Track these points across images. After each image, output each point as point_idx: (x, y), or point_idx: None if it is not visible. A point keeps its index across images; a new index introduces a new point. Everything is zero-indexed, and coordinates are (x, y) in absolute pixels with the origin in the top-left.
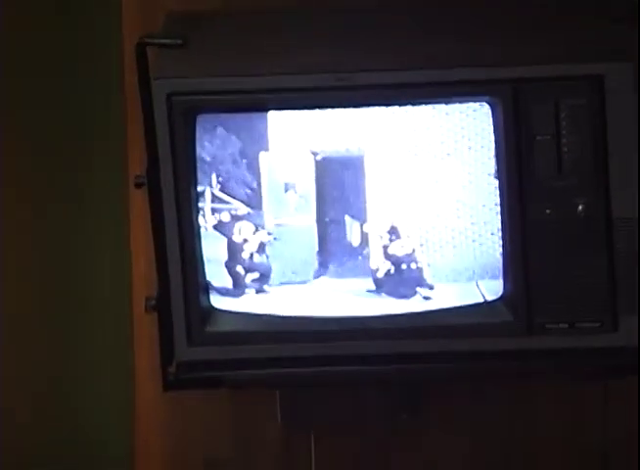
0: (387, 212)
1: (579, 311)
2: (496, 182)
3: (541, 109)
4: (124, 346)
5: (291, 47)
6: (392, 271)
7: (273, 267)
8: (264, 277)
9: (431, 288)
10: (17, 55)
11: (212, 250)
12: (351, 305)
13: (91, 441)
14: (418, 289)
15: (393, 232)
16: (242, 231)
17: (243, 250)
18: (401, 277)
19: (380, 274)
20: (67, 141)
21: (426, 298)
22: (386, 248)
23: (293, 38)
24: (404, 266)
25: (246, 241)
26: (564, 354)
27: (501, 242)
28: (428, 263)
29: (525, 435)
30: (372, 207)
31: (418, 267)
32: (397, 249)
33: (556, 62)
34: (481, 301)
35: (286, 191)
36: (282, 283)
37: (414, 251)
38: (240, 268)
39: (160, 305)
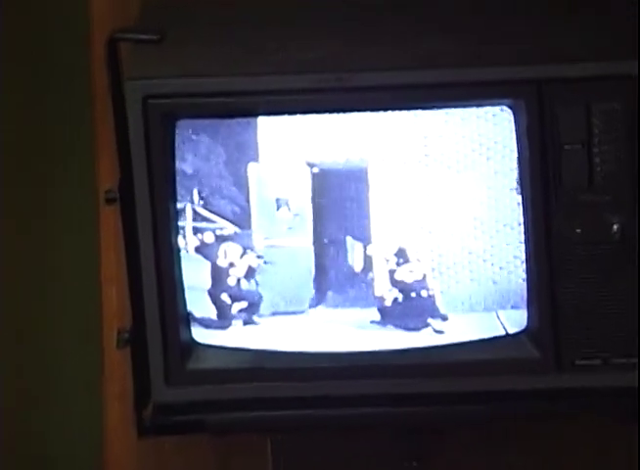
0: (393, 233)
1: (614, 346)
2: (519, 198)
3: (570, 113)
4: (92, 386)
5: (284, 43)
6: (400, 300)
7: (263, 296)
8: (253, 307)
9: (444, 319)
10: None
11: (194, 275)
12: (353, 338)
13: None
14: (429, 320)
15: (401, 255)
16: (228, 254)
17: (229, 275)
18: (410, 307)
19: (386, 303)
20: (27, 150)
21: (438, 331)
22: (392, 273)
23: (286, 32)
24: (414, 294)
25: (232, 265)
26: (596, 395)
27: (525, 266)
28: (441, 291)
29: None
30: (377, 226)
31: (429, 295)
32: (406, 274)
33: (587, 59)
34: (502, 334)
35: (278, 208)
36: (273, 313)
37: (425, 276)
38: (225, 297)
39: (134, 339)
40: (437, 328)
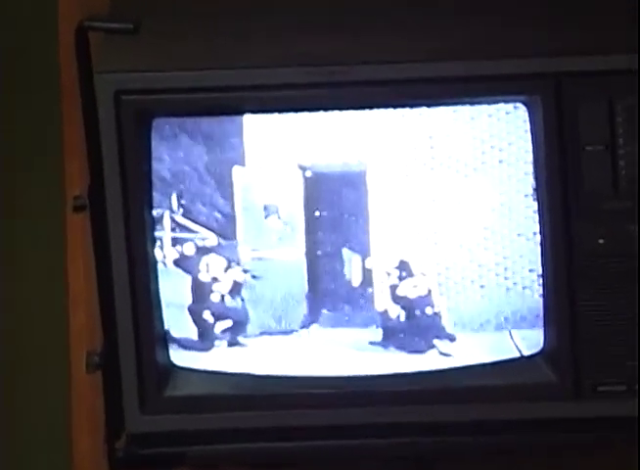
0: (395, 244)
1: None
2: (535, 205)
3: (592, 111)
4: (59, 415)
5: (273, 32)
6: (403, 318)
7: (250, 314)
8: (239, 326)
9: (451, 339)
10: None
11: (173, 291)
12: (350, 361)
13: None
14: (435, 341)
15: (404, 268)
16: (210, 267)
17: (212, 291)
18: (414, 326)
19: (387, 322)
20: None
21: (444, 353)
22: (394, 288)
23: (274, 21)
24: (418, 312)
25: (215, 280)
26: (620, 425)
27: (541, 281)
28: (447, 308)
29: None
30: (376, 236)
31: (435, 313)
32: (409, 289)
33: (611, 51)
34: (517, 356)
35: (267, 216)
36: (261, 333)
37: (430, 292)
38: (208, 315)
39: (106, 363)
40: (444, 350)
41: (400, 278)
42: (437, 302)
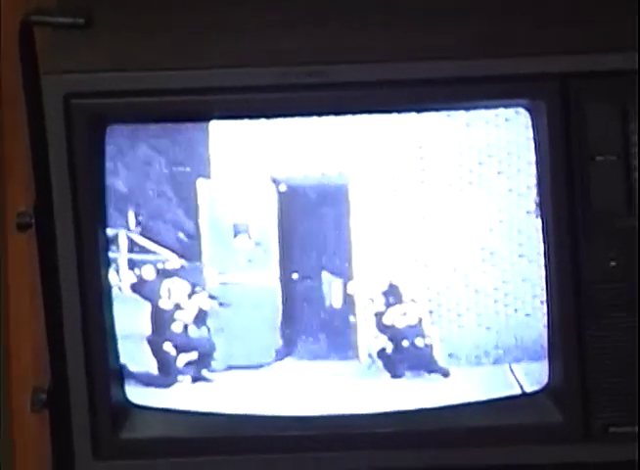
0: (381, 266)
1: None
2: (538, 222)
3: (602, 116)
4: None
5: (242, 28)
6: (389, 350)
7: (217, 345)
8: (204, 359)
9: (445, 374)
10: None
11: (130, 320)
12: (330, 399)
13: None
14: (426, 376)
15: (391, 294)
16: (172, 293)
17: (174, 320)
18: (402, 359)
19: (371, 355)
20: None
21: (436, 389)
22: (380, 316)
23: (245, 16)
24: (406, 343)
25: (178, 307)
26: (634, 469)
27: (545, 308)
28: (440, 339)
29: None
30: (360, 258)
31: (426, 345)
32: (397, 318)
33: (623, 49)
34: (518, 393)
35: (235, 235)
36: (229, 367)
37: (421, 321)
38: (169, 346)
39: (54, 401)
40: (436, 386)
41: (387, 305)
42: (429, 332)
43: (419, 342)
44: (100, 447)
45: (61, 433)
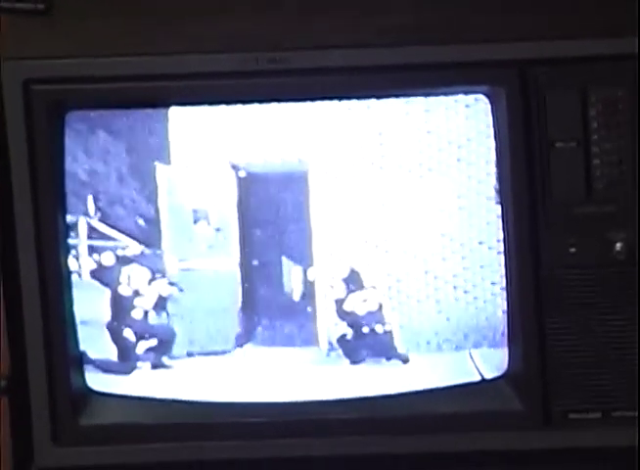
0: (341, 253)
1: (616, 396)
2: (498, 209)
3: (562, 103)
4: None
5: (201, 13)
6: (349, 337)
7: (177, 332)
8: (164, 346)
9: (404, 361)
10: None
11: (89, 306)
12: (290, 385)
13: None
14: (385, 363)
15: (352, 281)
16: (132, 280)
17: (133, 306)
18: (362, 345)
19: (331, 341)
20: None
21: (396, 376)
22: (340, 303)
23: (206, 1)
24: (366, 330)
25: (137, 294)
26: (594, 456)
27: (505, 295)
28: (400, 325)
29: None
30: (320, 244)
31: (385, 331)
32: (357, 304)
33: (583, 36)
34: (478, 379)
35: (195, 222)
36: (190, 354)
37: (381, 307)
38: (129, 333)
39: (13, 387)
40: (395, 372)
41: (348, 291)
42: (389, 318)
43: (379, 328)
44: (60, 434)
45: (20, 419)
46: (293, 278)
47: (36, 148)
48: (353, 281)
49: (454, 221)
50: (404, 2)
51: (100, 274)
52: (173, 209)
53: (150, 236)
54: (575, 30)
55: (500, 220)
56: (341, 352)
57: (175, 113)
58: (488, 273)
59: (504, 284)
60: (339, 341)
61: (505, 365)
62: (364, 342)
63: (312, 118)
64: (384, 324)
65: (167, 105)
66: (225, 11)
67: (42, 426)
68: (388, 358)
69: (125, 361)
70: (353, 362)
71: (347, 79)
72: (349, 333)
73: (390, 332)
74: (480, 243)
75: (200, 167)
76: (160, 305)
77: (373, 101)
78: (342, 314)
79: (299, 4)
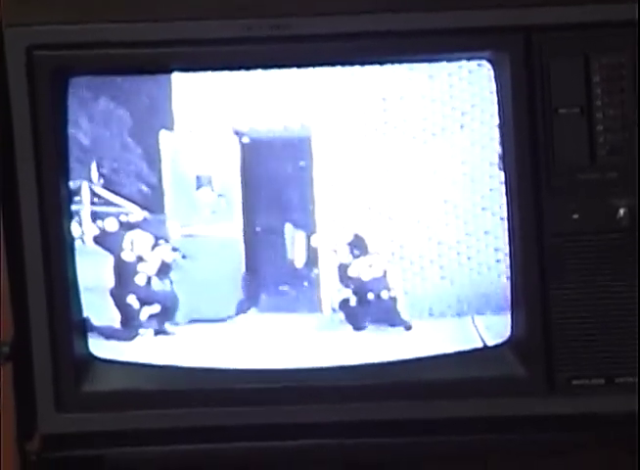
0: (344, 219)
1: (619, 362)
2: (501, 175)
3: (565, 69)
4: None
5: None
6: (353, 303)
7: (180, 298)
8: (167, 312)
9: (407, 327)
10: None
11: (92, 272)
12: (293, 352)
13: None
14: (389, 330)
15: (356, 245)
16: (135, 245)
17: (136, 272)
18: (366, 312)
19: (334, 307)
20: None
21: (400, 342)
22: (344, 268)
23: None
24: (371, 296)
25: (141, 259)
26: (597, 422)
27: (508, 261)
28: (404, 292)
29: None
30: (323, 211)
31: (390, 298)
32: (363, 269)
33: (587, 2)
34: (480, 346)
35: (198, 188)
36: (192, 321)
37: (386, 273)
38: (132, 299)
39: (16, 354)
40: (399, 339)
41: (352, 257)
42: (393, 284)
43: (384, 294)
44: (62, 400)
45: (23, 386)
46: (296, 244)
47: (39, 114)
48: (357, 247)
49: (457, 187)
50: None
51: (103, 240)
52: (176, 175)
53: (153, 202)
54: None
55: (503, 186)
56: (344, 317)
57: (178, 79)
58: (492, 239)
59: (507, 250)
60: (342, 307)
61: (508, 332)
62: (368, 308)
63: (315, 85)
64: (389, 290)
65: (170, 71)
66: None
67: (45, 392)
68: (392, 325)
69: (128, 328)
70: (356, 329)
71: (351, 45)
72: (353, 299)
73: (395, 298)
74: (484, 209)
75: (203, 134)
76: (164, 271)
77: (376, 67)
78: (347, 280)
79: None
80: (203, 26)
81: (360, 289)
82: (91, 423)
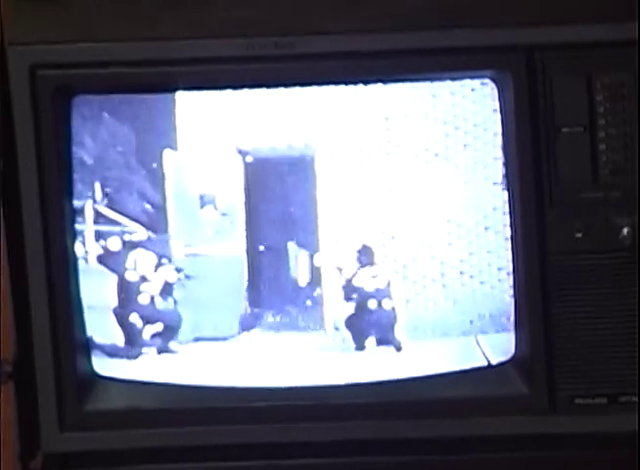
0: (347, 239)
1: (622, 381)
2: (504, 195)
3: (569, 88)
4: None
5: None
6: (355, 315)
7: (183, 317)
8: (170, 331)
9: (410, 346)
10: None
11: (96, 291)
12: (296, 370)
13: None
14: (392, 350)
15: (364, 254)
16: (138, 265)
17: (140, 292)
18: (367, 329)
19: (337, 326)
20: None
21: (402, 362)
22: (349, 281)
23: None
24: (373, 304)
25: (144, 279)
26: (599, 441)
27: (512, 280)
28: (406, 311)
29: None
30: (326, 230)
31: (393, 308)
32: (367, 280)
33: (589, 21)
34: (484, 364)
35: (202, 207)
36: (196, 339)
37: (389, 284)
38: (135, 318)
39: (20, 372)
40: (402, 358)
41: (360, 264)
42: (395, 303)
43: (386, 304)
44: (65, 419)
45: (26, 404)
46: (299, 263)
47: (43, 133)
48: (365, 255)
49: (460, 207)
50: None
51: (107, 259)
52: (180, 194)
53: (156, 221)
54: (582, 16)
55: (507, 206)
56: (347, 336)
57: (182, 97)
58: (495, 259)
59: (510, 269)
60: (346, 324)
61: (512, 350)
62: (370, 320)
63: (319, 103)
64: (391, 299)
65: (174, 90)
66: None
67: (48, 411)
68: (395, 344)
69: (132, 346)
70: (359, 348)
71: (353, 64)
72: (355, 311)
73: (396, 318)
74: (487, 228)
75: (206, 152)
76: (167, 290)
77: (379, 86)
78: (351, 292)
79: None
80: (206, 45)
81: (363, 298)
82: (94, 442)
